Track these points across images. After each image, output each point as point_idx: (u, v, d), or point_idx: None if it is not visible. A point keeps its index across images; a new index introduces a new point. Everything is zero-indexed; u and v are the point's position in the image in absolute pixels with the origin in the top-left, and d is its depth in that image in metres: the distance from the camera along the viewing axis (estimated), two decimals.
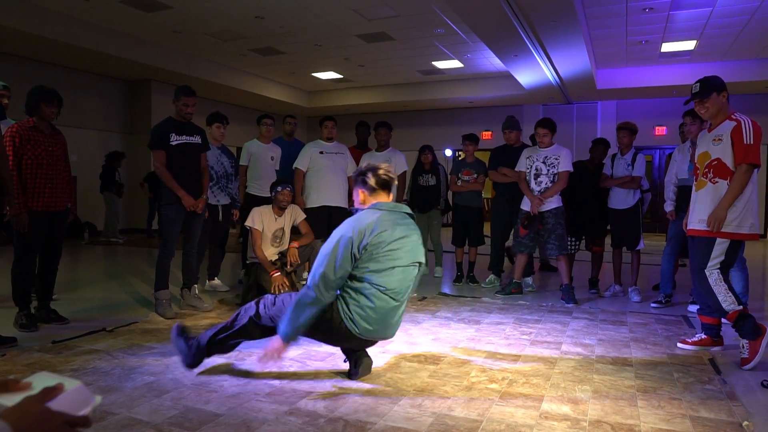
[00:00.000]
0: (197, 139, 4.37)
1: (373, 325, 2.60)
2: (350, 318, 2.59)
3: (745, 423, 2.29)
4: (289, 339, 2.56)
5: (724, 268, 3.26)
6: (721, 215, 3.17)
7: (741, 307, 3.21)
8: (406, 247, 2.63)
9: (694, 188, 3.45)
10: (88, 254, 8.35)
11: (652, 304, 4.77)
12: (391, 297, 2.61)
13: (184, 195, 4.17)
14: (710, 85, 3.27)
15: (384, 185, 2.76)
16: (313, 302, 2.52)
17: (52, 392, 0.82)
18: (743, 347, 3.15)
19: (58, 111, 3.79)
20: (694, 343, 3.45)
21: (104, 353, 3.18)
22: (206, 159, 4.57)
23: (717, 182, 3.25)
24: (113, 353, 3.18)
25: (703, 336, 3.46)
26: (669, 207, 4.72)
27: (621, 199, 5.10)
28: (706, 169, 3.31)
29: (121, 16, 8.54)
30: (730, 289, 3.23)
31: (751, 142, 3.14)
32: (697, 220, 3.36)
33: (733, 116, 3.26)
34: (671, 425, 2.27)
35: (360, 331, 2.60)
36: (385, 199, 2.76)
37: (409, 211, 2.78)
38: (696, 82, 3.36)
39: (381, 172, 2.76)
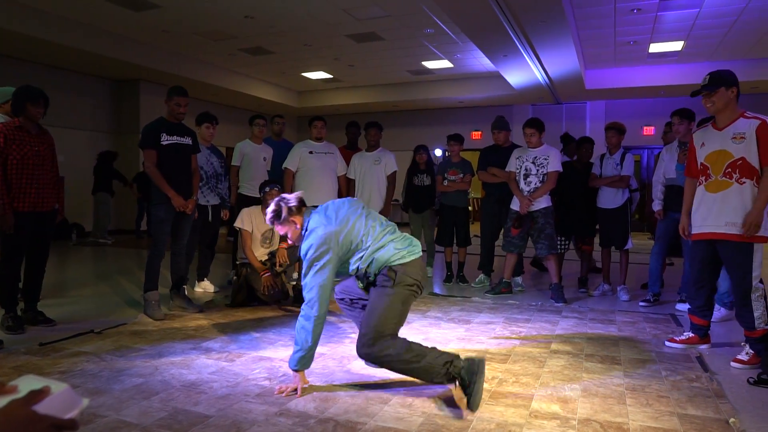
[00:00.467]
0: (188, 140, 4.35)
1: (406, 247, 2.67)
2: (400, 263, 2.62)
3: (732, 420, 2.31)
4: (305, 367, 2.62)
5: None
6: (758, 219, 3.01)
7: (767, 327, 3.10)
8: (344, 218, 2.70)
9: (703, 188, 3.27)
10: (76, 255, 8.27)
11: (641, 303, 4.81)
12: (380, 242, 2.67)
13: (174, 195, 4.14)
14: (720, 79, 3.13)
15: (301, 201, 2.87)
16: (319, 320, 2.57)
17: (38, 395, 0.81)
18: (747, 353, 3.12)
19: (44, 111, 3.76)
20: (682, 342, 3.47)
21: (92, 355, 3.15)
22: (197, 160, 4.55)
23: (744, 182, 3.09)
24: (101, 355, 3.16)
25: (691, 335, 3.48)
26: (657, 206, 4.75)
27: (610, 199, 5.13)
28: (729, 169, 3.12)
29: (109, 15, 8.46)
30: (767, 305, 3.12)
31: None
32: (724, 223, 3.15)
33: (747, 114, 3.13)
34: (659, 423, 2.29)
35: (409, 258, 2.64)
36: (303, 215, 2.83)
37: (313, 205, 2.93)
38: (707, 75, 3.20)
39: (291, 197, 2.85)
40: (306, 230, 2.73)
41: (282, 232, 2.87)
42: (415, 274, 2.64)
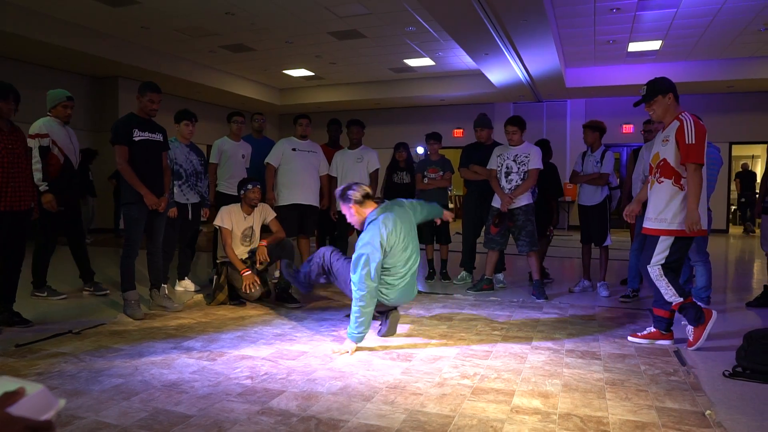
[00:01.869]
0: (159, 137, 4.27)
1: (399, 295, 3.46)
2: (383, 295, 3.40)
3: (708, 412, 2.36)
4: (359, 340, 3.26)
5: (669, 265, 3.37)
6: (694, 217, 3.22)
7: (682, 299, 3.38)
8: (402, 234, 3.39)
9: (647, 188, 3.56)
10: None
11: (620, 299, 4.87)
12: (404, 274, 3.43)
13: (147, 193, 4.06)
14: (655, 89, 3.39)
15: (367, 196, 3.47)
16: (368, 304, 3.23)
17: (12, 397, 0.80)
18: (689, 332, 3.42)
19: (15, 107, 3.68)
20: (643, 336, 3.56)
21: (70, 356, 3.11)
22: (168, 158, 4.49)
23: (663, 182, 3.38)
24: (80, 356, 3.11)
25: (653, 329, 3.57)
26: None
27: (589, 196, 5.19)
28: (656, 169, 3.43)
29: (87, 10, 8.32)
30: (671, 282, 3.37)
31: (693, 142, 3.22)
32: (646, 218, 3.51)
33: (680, 115, 3.35)
34: (638, 416, 2.33)
35: (390, 301, 3.47)
36: (372, 206, 3.48)
37: (393, 200, 3.62)
38: (644, 85, 3.47)
39: (360, 187, 3.48)
40: (368, 223, 3.38)
41: (346, 214, 3.53)
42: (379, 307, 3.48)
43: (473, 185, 5.66)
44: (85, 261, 4.96)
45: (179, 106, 5.98)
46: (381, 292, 3.37)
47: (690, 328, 3.43)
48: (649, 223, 3.46)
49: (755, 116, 12.26)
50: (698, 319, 3.38)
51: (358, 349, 3.30)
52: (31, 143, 4.36)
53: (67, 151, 4.61)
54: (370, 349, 3.32)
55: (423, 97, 13.65)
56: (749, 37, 9.16)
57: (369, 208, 3.46)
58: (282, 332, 3.71)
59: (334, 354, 3.18)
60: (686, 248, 3.43)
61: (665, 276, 3.38)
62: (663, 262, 3.36)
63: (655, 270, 3.39)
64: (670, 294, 3.40)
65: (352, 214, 3.48)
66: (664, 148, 3.37)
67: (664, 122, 3.47)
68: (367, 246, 3.25)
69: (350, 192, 3.44)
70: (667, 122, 3.43)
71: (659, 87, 3.39)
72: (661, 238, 3.37)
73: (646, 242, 3.56)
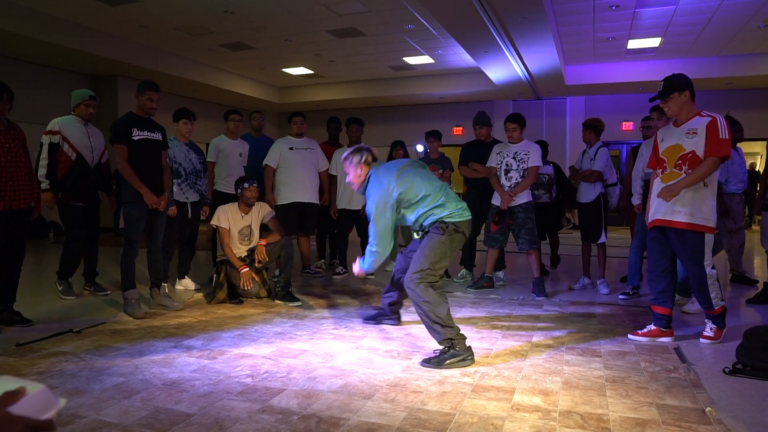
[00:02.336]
0: (158, 136, 4.26)
1: (459, 209, 3.17)
2: (453, 223, 3.12)
3: (708, 409, 2.36)
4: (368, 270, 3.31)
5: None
6: (674, 190, 3.29)
7: (723, 302, 3.45)
8: (402, 167, 3.24)
9: (659, 180, 3.49)
10: (53, 254, 8.13)
11: (620, 296, 4.87)
12: (435, 196, 3.16)
13: (147, 192, 4.05)
14: (671, 85, 3.38)
15: (375, 159, 3.38)
16: (378, 254, 3.20)
17: (12, 396, 0.80)
18: (711, 329, 3.50)
19: (9, 106, 3.67)
20: (644, 335, 3.55)
21: (71, 355, 3.11)
22: (167, 157, 4.48)
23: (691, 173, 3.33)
24: (80, 355, 3.11)
25: (653, 327, 3.56)
26: (636, 200, 4.82)
27: (584, 193, 5.21)
28: (679, 161, 3.37)
29: (85, 9, 8.31)
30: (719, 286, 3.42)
31: (726, 137, 3.26)
32: (671, 210, 3.39)
33: (703, 113, 3.36)
34: (638, 413, 2.33)
35: (458, 219, 3.14)
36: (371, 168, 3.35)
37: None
38: (662, 81, 3.46)
39: (371, 151, 3.37)
40: (369, 180, 3.26)
41: (348, 174, 3.36)
42: (464, 228, 3.16)
43: (473, 183, 5.65)
44: (92, 260, 4.97)
45: (178, 105, 5.97)
46: (449, 218, 3.13)
47: (713, 326, 3.50)
48: (678, 216, 3.37)
49: (755, 113, 12.23)
50: (724, 323, 3.51)
51: (359, 346, 3.31)
52: (42, 139, 4.49)
53: (82, 149, 4.61)
54: (370, 346, 3.32)
55: (422, 95, 13.63)
56: (749, 33, 9.15)
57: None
58: (282, 330, 3.71)
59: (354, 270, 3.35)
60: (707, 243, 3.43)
61: (718, 279, 3.43)
62: (712, 263, 3.39)
63: (713, 273, 3.40)
64: (718, 298, 3.42)
65: (359, 174, 3.33)
66: (691, 141, 3.34)
67: (678, 118, 3.44)
68: (374, 193, 3.18)
69: (365, 153, 3.32)
70: (684, 118, 3.41)
71: (676, 84, 3.38)
72: (707, 237, 3.37)
73: (672, 240, 3.45)
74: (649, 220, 3.56)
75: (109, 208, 5.33)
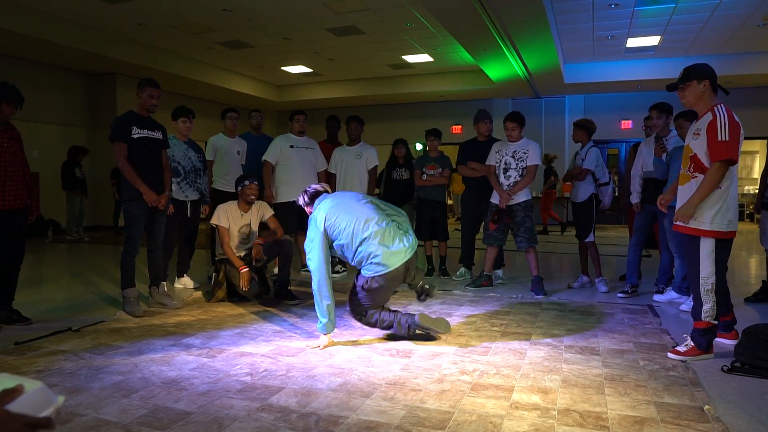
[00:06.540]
0: (158, 134, 4.26)
1: (384, 260, 3.23)
2: (373, 272, 3.25)
3: (707, 407, 2.37)
4: (323, 330, 3.27)
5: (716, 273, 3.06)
6: (689, 211, 3.03)
7: (716, 321, 3.11)
8: (336, 204, 3.40)
9: (678, 181, 3.29)
10: (52, 253, 8.13)
11: (619, 295, 4.87)
12: (364, 239, 3.26)
13: (146, 190, 4.05)
14: (690, 73, 3.12)
15: (315, 194, 3.62)
16: (319, 281, 3.27)
17: (11, 394, 0.80)
18: (685, 345, 3.12)
19: (16, 111, 3.68)
20: (685, 354, 3.11)
21: (70, 354, 3.11)
22: (167, 155, 4.48)
23: (697, 177, 3.08)
24: (79, 353, 3.11)
25: (692, 344, 3.14)
26: (635, 199, 4.83)
27: (575, 193, 5.23)
28: (690, 164, 3.13)
29: (83, 7, 8.30)
30: (716, 302, 3.07)
31: (726, 138, 2.94)
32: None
33: (716, 108, 3.05)
34: (637, 411, 2.33)
35: (387, 268, 3.24)
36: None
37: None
38: (683, 69, 3.20)
39: (310, 189, 3.65)
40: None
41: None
42: (385, 279, 3.27)
43: (472, 182, 5.65)
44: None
45: (177, 103, 5.95)
46: (369, 270, 3.26)
47: (690, 343, 3.11)
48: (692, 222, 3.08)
49: (754, 112, 12.24)
50: (708, 346, 3.09)
51: (358, 344, 3.31)
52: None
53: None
54: (370, 344, 3.32)
55: (421, 93, 13.64)
56: (748, 32, 9.16)
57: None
58: (281, 329, 3.71)
59: (308, 348, 3.26)
60: (728, 253, 3.14)
61: (716, 293, 3.07)
62: (714, 274, 3.04)
63: (708, 284, 3.05)
64: (710, 314, 3.07)
65: (309, 211, 3.60)
66: (695, 142, 3.08)
67: (698, 111, 3.19)
68: (309, 232, 3.40)
69: (301, 195, 3.66)
70: (701, 112, 3.14)
71: (696, 72, 3.10)
72: (704, 242, 3.05)
73: (685, 242, 3.21)
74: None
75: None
